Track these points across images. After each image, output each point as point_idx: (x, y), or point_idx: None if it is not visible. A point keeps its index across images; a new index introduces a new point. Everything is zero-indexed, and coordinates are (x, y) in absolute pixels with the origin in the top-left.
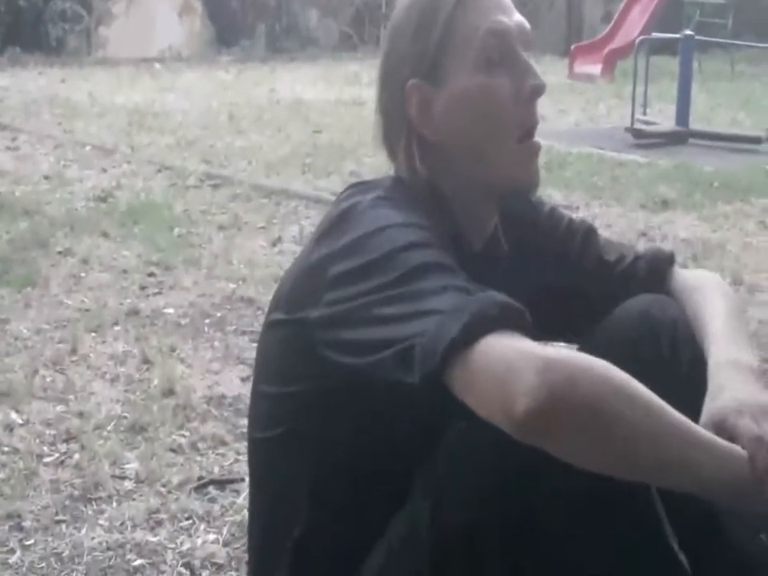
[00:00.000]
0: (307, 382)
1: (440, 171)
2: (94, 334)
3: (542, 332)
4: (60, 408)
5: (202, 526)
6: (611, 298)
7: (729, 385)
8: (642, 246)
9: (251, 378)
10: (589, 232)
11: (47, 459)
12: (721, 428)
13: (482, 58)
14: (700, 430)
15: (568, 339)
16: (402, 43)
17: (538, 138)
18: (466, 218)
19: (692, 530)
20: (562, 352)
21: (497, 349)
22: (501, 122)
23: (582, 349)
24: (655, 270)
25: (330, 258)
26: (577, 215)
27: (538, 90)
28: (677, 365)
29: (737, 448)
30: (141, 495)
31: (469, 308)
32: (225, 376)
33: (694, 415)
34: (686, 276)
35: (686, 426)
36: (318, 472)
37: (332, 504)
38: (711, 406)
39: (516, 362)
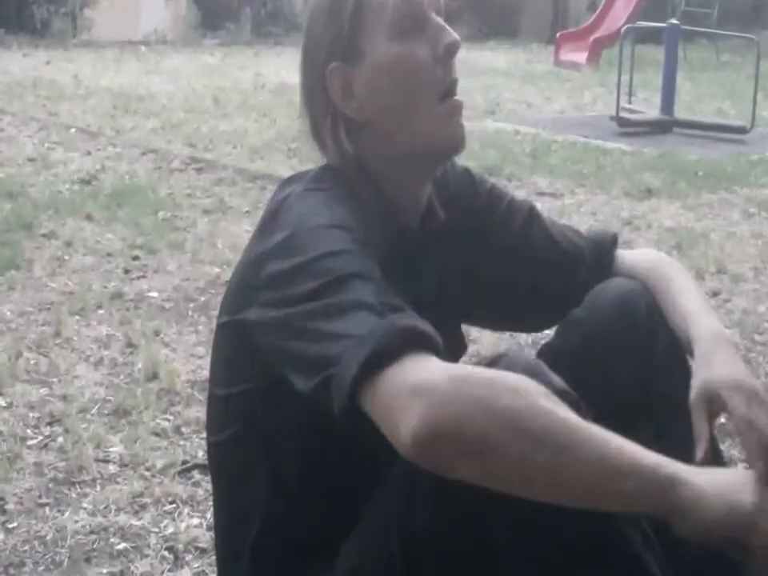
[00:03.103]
0: (251, 380)
1: (368, 151)
2: (77, 317)
3: (483, 310)
4: (43, 391)
5: (186, 510)
6: (556, 278)
7: (718, 357)
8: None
9: None
10: (531, 213)
11: (31, 442)
12: (712, 400)
13: (393, 28)
14: (621, 453)
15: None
16: (318, 28)
17: (459, 96)
18: (399, 195)
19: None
20: (457, 381)
21: (392, 384)
22: (420, 85)
23: (558, 339)
24: (601, 252)
25: (263, 257)
26: (561, 202)
27: (452, 47)
28: (654, 353)
29: (662, 466)
30: (124, 479)
31: (372, 338)
32: (209, 360)
33: (670, 400)
34: (632, 256)
35: (603, 455)
36: (272, 468)
37: (289, 497)
38: (703, 376)
39: (404, 401)
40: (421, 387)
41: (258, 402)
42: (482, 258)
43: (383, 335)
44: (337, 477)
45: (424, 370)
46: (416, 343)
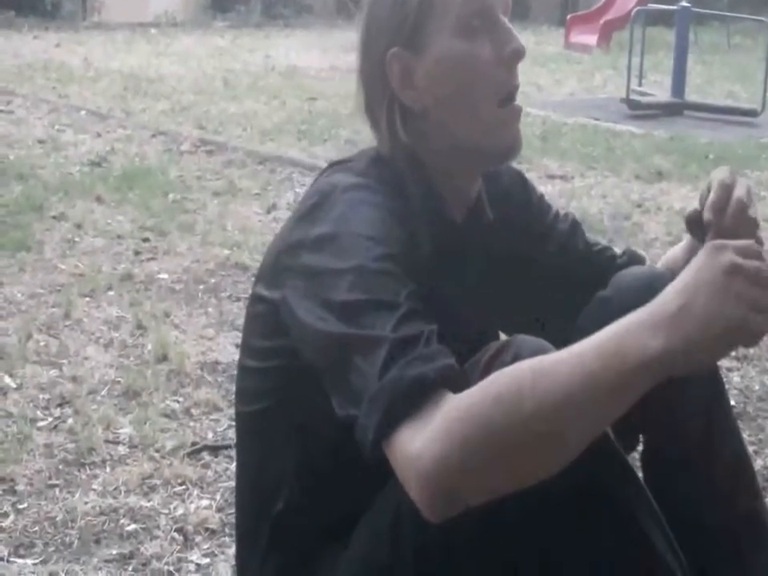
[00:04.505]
0: (286, 357)
1: (422, 141)
2: (87, 299)
3: (519, 302)
4: (54, 372)
5: (196, 492)
6: (598, 283)
7: None
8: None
9: None
10: (575, 222)
11: (41, 423)
12: None
13: (461, 23)
14: (608, 369)
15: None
16: (382, 12)
17: (519, 102)
18: (448, 188)
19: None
20: (448, 430)
21: (395, 453)
22: (482, 87)
23: (584, 318)
24: (634, 256)
25: (302, 244)
26: (572, 185)
27: (518, 53)
28: None
29: (647, 348)
30: (134, 460)
31: (382, 396)
32: (219, 342)
33: (686, 382)
34: None
35: (594, 387)
36: (303, 444)
37: (317, 477)
38: None
39: (404, 470)
40: (413, 462)
41: (292, 381)
42: (527, 256)
43: (391, 395)
44: (365, 463)
45: (419, 438)
46: (424, 392)
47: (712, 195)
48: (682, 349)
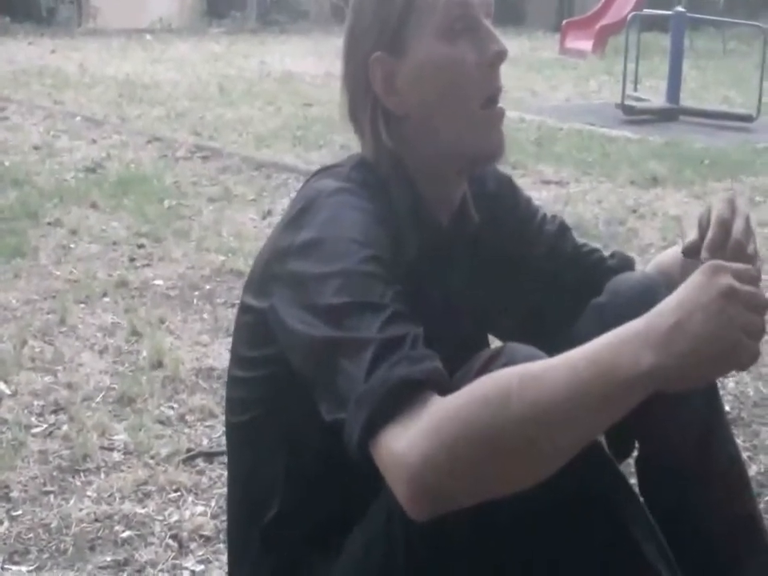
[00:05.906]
0: (274, 366)
1: (406, 145)
2: (82, 305)
3: (509, 308)
4: (48, 379)
5: (190, 498)
6: (587, 285)
7: None
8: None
9: None
10: (562, 225)
11: (35, 430)
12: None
13: (444, 27)
14: (601, 377)
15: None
16: (365, 16)
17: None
18: (432, 192)
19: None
20: (432, 437)
21: (382, 453)
22: (464, 90)
23: (579, 325)
24: (624, 259)
25: (288, 251)
26: (567, 190)
27: (500, 55)
28: None
29: (639, 364)
30: (129, 467)
31: (369, 397)
32: (214, 348)
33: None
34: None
35: (584, 396)
36: (293, 452)
37: (307, 484)
38: None
39: (390, 471)
40: (400, 460)
41: (280, 390)
42: (515, 259)
43: (377, 395)
44: (355, 470)
45: (406, 436)
46: (411, 392)
47: (710, 234)
48: (674, 366)
